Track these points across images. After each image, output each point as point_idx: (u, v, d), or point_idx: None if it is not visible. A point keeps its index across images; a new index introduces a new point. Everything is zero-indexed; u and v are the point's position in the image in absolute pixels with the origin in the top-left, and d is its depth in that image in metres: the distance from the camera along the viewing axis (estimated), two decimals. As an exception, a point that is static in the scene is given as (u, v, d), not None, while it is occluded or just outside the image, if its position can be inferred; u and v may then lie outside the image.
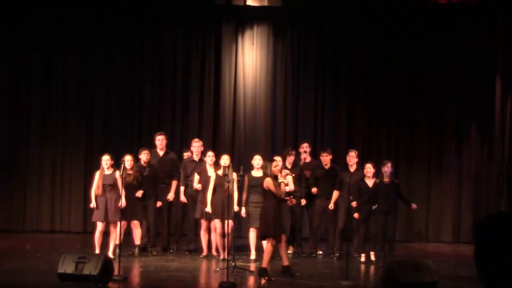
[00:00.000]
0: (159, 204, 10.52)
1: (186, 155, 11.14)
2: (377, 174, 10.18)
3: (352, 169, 10.42)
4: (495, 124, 12.46)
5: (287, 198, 8.89)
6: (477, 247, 2.04)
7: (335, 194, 10.42)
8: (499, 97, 12.38)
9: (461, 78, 12.84)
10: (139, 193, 10.09)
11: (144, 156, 10.47)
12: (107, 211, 9.73)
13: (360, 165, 10.45)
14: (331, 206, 10.40)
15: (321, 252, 10.78)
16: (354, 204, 9.89)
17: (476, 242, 2.04)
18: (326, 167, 10.68)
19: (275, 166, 8.64)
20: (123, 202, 9.58)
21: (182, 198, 10.64)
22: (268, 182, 8.50)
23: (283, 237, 8.70)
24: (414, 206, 10.38)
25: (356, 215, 10.04)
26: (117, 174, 9.75)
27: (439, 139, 13.07)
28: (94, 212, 9.87)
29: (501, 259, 1.98)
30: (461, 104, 12.92)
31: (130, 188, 9.89)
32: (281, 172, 8.69)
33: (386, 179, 10.03)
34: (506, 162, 12.29)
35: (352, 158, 10.47)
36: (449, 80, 12.89)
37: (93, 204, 9.82)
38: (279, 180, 8.56)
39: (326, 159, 10.71)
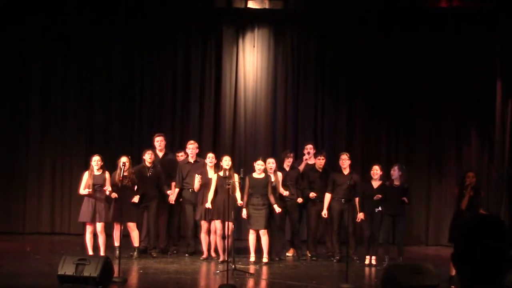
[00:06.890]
0: (170, 192, 10.50)
1: (180, 155, 11.08)
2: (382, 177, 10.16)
3: (346, 172, 10.39)
4: (495, 128, 12.44)
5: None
6: (456, 249, 2.06)
7: (327, 198, 10.36)
8: (499, 101, 12.36)
9: (461, 82, 12.83)
10: (136, 199, 10.11)
11: (148, 156, 10.45)
12: (95, 212, 9.72)
13: (362, 166, 10.41)
14: (324, 213, 10.37)
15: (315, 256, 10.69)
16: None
17: (455, 245, 2.07)
18: (320, 170, 10.68)
19: None
20: (112, 204, 9.58)
21: (172, 198, 10.53)
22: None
23: None
24: (405, 199, 10.19)
25: (361, 215, 10.00)
26: (107, 175, 9.77)
27: (439, 142, 13.06)
28: (81, 212, 9.83)
29: (479, 261, 2.00)
30: (461, 108, 12.90)
31: (125, 190, 9.85)
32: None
33: (396, 183, 9.98)
34: (506, 166, 12.26)
35: (345, 161, 10.43)
36: (449, 83, 12.88)
37: (88, 191, 9.66)
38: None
39: (322, 162, 10.71)
